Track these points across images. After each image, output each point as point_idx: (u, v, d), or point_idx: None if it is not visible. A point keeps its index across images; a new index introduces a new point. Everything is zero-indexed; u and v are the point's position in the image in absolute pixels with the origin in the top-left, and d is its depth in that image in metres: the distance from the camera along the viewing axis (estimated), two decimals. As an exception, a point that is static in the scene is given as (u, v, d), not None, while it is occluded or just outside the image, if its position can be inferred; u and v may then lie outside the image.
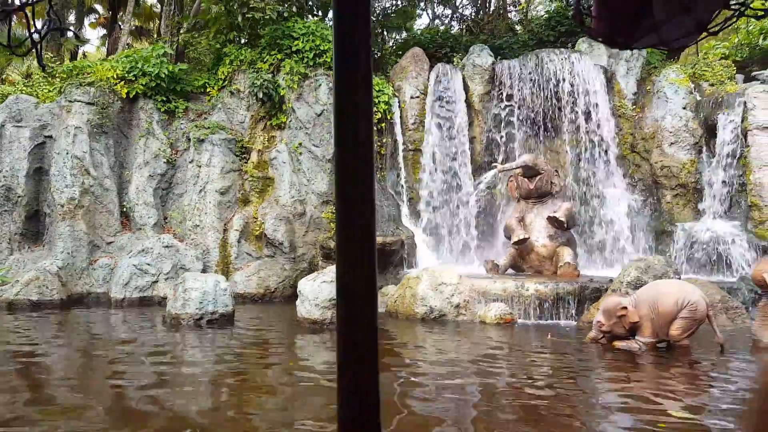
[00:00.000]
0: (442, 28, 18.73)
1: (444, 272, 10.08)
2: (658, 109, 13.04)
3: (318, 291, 8.63)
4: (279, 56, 14.01)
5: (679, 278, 9.14)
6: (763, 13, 1.49)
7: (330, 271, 8.90)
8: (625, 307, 7.24)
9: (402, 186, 13.99)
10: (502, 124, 13.77)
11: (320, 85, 13.82)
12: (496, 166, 12.00)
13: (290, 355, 7.23)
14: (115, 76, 13.78)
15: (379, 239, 12.85)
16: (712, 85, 13.04)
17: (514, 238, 11.61)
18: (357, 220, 0.77)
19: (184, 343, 7.82)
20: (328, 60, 14.02)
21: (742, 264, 10.34)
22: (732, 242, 10.57)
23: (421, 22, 20.96)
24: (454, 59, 14.91)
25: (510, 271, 12.06)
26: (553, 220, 11.46)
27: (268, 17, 13.62)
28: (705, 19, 1.34)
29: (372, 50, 0.83)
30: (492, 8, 20.75)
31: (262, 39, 14.37)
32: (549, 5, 18.75)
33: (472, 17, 20.35)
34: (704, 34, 1.34)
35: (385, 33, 18.85)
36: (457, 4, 21.44)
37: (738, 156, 11.16)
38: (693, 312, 7.03)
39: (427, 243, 13.49)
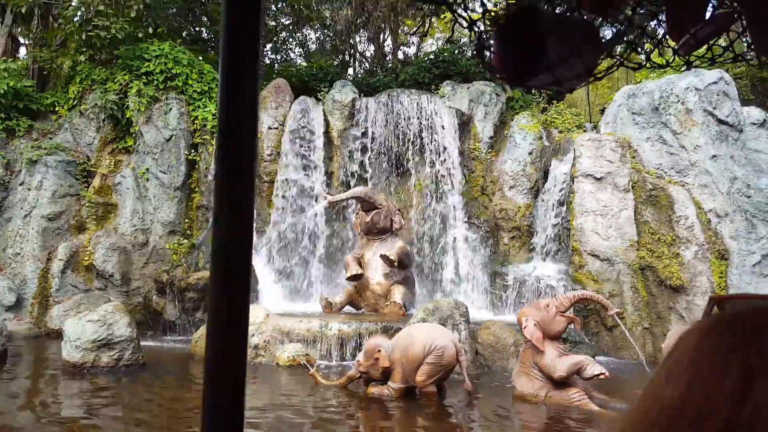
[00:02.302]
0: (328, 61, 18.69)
1: (250, 310, 9.53)
2: (509, 153, 13.26)
3: (81, 331, 7.83)
4: (127, 77, 13.44)
5: (467, 322, 8.98)
6: (637, 66, 1.60)
7: (102, 310, 8.15)
8: (380, 350, 6.93)
9: (252, 217, 13.45)
10: (358, 161, 13.63)
11: (171, 109, 13.31)
12: (326, 197, 11.75)
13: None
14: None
15: (206, 273, 12.16)
16: (561, 132, 13.41)
17: (347, 274, 11.38)
18: (232, 252, 0.74)
19: None
20: (180, 84, 13.57)
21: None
22: (554, 285, 10.60)
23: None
24: (320, 94, 14.78)
25: (348, 308, 11.74)
26: (385, 259, 11.28)
27: (112, 36, 13.07)
28: (593, 65, 1.47)
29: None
30: (386, 46, 21.08)
31: (120, 59, 13.81)
32: (435, 46, 19.16)
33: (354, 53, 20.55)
34: (591, 78, 1.47)
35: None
36: (358, 41, 21.70)
37: (565, 202, 11.35)
38: (439, 357, 6.79)
39: (273, 278, 12.96)
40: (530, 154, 12.97)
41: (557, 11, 1.56)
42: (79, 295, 11.97)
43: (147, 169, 13.14)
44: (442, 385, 7.26)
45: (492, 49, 1.47)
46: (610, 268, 10.66)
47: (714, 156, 10.92)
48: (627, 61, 1.56)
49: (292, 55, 20.80)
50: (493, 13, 1.44)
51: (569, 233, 11.02)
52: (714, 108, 11.13)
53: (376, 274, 11.48)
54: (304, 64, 18.41)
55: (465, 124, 14.02)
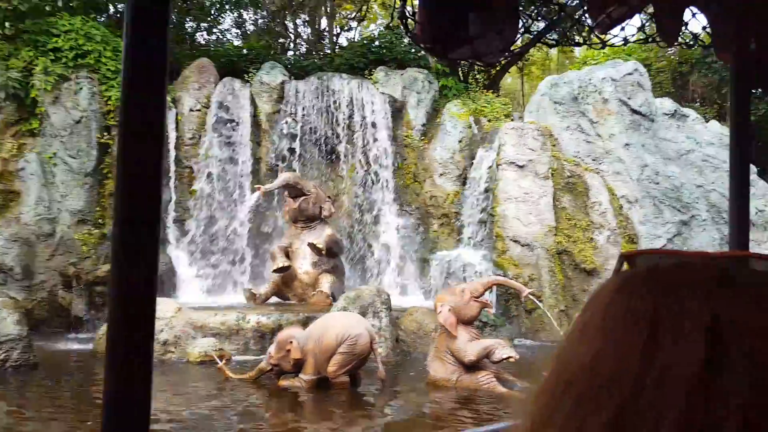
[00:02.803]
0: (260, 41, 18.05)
1: (161, 304, 9.05)
2: (439, 141, 13.33)
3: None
4: (33, 54, 12.43)
5: (389, 310, 9.02)
6: (554, 42, 1.72)
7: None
8: (292, 342, 6.82)
9: (172, 206, 12.91)
10: (287, 147, 13.30)
11: (81, 88, 12.45)
12: (258, 188, 11.41)
13: None
14: None
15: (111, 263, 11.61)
16: (490, 120, 13.60)
17: (274, 267, 11.13)
18: (136, 244, 0.70)
19: None
20: (92, 62, 12.70)
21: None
22: (478, 272, 10.81)
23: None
24: (248, 75, 14.24)
25: (274, 299, 11.49)
26: (312, 247, 11.09)
27: (14, 9, 12.04)
28: (511, 40, 1.48)
29: None
30: (324, 28, 20.63)
31: (25, 34, 12.72)
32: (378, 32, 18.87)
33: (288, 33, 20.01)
34: (508, 55, 1.55)
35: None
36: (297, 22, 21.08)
37: (490, 189, 11.57)
38: (352, 347, 6.77)
39: (195, 270, 12.49)
40: (460, 142, 13.10)
41: None
42: (-25, 290, 11.06)
43: (54, 154, 12.25)
44: (357, 374, 7.23)
45: (416, 18, 1.47)
46: (529, 253, 10.99)
47: (627, 144, 11.43)
48: (545, 38, 1.63)
49: (229, 36, 19.98)
50: None
51: (494, 220, 11.25)
52: (628, 98, 11.63)
53: (304, 263, 11.26)
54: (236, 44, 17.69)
55: (398, 110, 13.94)
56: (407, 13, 1.48)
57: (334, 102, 12.98)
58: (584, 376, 0.35)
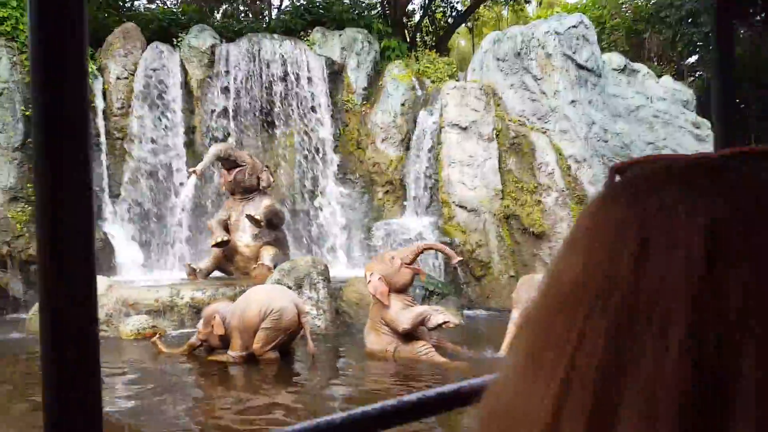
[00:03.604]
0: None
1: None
2: (381, 105, 12.75)
3: None
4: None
5: (326, 281, 8.63)
6: None
7: None
8: (215, 317, 6.42)
9: (104, 180, 12.17)
10: (222, 114, 12.57)
11: (0, 58, 11.52)
12: (193, 171, 10.78)
13: None
14: None
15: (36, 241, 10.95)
16: (433, 82, 13.05)
17: (212, 241, 10.63)
18: (68, 222, 0.61)
19: None
20: (9, 29, 11.72)
21: (431, 262, 10.22)
22: (426, 239, 10.43)
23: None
24: (177, 40, 13.34)
25: (216, 273, 11.03)
26: (251, 219, 10.59)
27: None
28: None
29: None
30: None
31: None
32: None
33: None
34: None
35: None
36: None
37: (434, 153, 11.11)
38: (276, 321, 6.37)
39: (132, 247, 11.87)
40: (403, 105, 12.53)
41: None
42: None
43: (-27, 129, 11.37)
44: (289, 349, 6.89)
45: None
46: (476, 219, 10.64)
47: (573, 101, 11.02)
48: None
49: (162, 2, 18.80)
50: None
51: (438, 185, 10.83)
52: (574, 52, 11.18)
53: (244, 236, 10.80)
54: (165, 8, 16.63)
55: (337, 73, 13.26)
56: None
57: (266, 65, 12.23)
58: (576, 289, 0.33)
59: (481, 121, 10.81)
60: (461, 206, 10.73)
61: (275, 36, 12.68)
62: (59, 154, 0.59)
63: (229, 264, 11.06)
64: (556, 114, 10.99)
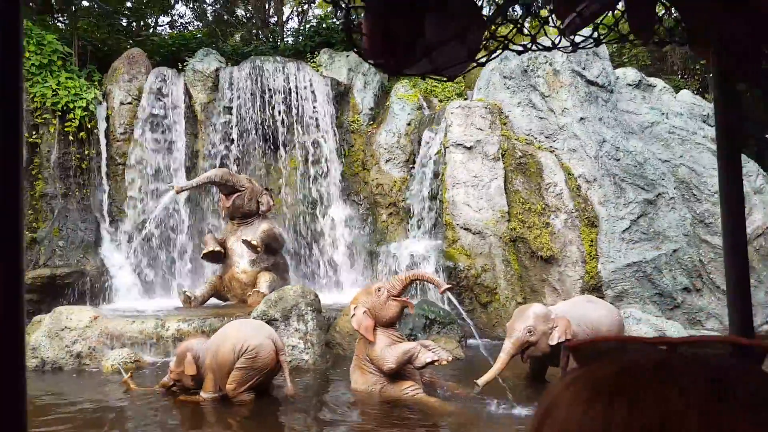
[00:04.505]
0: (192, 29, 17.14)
1: (75, 312, 8.35)
2: (387, 125, 12.44)
3: None
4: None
5: (316, 311, 8.21)
6: (522, 48, 1.54)
7: None
8: (187, 355, 6.04)
9: (104, 206, 12.08)
10: (225, 138, 12.42)
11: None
12: (173, 187, 10.55)
13: None
14: None
15: (46, 271, 10.86)
16: (441, 101, 12.71)
17: (203, 252, 10.39)
18: None
19: None
20: None
21: (432, 288, 9.71)
22: (426, 263, 9.96)
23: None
24: (183, 64, 13.33)
25: (213, 301, 10.74)
26: (247, 244, 10.29)
27: None
28: (476, 48, 1.34)
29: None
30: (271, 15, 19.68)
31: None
32: (321, 14, 17.97)
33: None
34: (473, 64, 1.36)
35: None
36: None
37: (438, 173, 10.68)
38: (251, 360, 5.93)
39: (130, 274, 11.69)
40: (408, 125, 12.19)
41: None
42: None
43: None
44: (269, 388, 6.45)
45: (362, 29, 1.29)
46: (482, 242, 10.13)
47: (582, 118, 10.48)
48: (511, 43, 1.43)
49: (172, 28, 19.05)
50: None
51: (442, 207, 10.38)
52: (583, 68, 10.68)
53: (241, 261, 10.51)
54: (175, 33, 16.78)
55: (343, 94, 13.04)
56: (351, 24, 1.28)
57: (270, 88, 12.07)
58: None
59: (486, 141, 10.35)
60: (466, 228, 10.24)
61: (278, 59, 12.55)
62: None
63: (226, 291, 10.77)
64: (564, 132, 10.47)
